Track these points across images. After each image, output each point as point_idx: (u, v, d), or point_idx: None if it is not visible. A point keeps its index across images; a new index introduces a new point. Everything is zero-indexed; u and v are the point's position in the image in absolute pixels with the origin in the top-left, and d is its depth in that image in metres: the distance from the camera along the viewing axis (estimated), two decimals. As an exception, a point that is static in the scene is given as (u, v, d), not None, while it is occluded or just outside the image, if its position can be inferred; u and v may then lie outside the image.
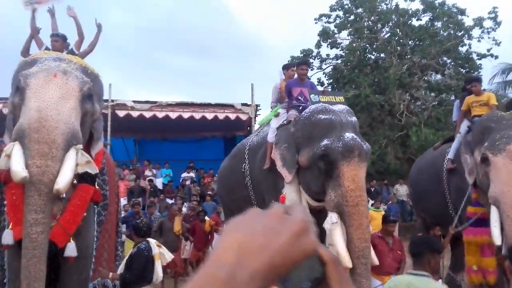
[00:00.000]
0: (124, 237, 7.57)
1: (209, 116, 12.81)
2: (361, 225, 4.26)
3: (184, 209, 9.79)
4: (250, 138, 6.40)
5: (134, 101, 12.92)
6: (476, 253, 5.35)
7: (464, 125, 6.26)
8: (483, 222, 5.33)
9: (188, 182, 13.03)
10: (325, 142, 4.45)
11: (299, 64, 5.91)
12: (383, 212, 10.10)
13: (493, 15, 17.34)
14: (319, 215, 4.80)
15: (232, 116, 13.03)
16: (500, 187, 4.94)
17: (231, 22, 52.74)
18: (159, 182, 13.39)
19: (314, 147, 4.52)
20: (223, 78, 52.60)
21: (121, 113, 12.49)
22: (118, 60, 51.36)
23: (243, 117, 13.11)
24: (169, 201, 11.13)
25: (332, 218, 4.33)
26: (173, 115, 12.66)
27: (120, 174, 11.69)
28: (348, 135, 4.47)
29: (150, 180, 12.88)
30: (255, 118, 13.18)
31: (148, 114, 12.65)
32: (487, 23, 17.38)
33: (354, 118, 4.86)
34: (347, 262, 4.12)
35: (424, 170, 7.13)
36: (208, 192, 11.51)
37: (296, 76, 5.82)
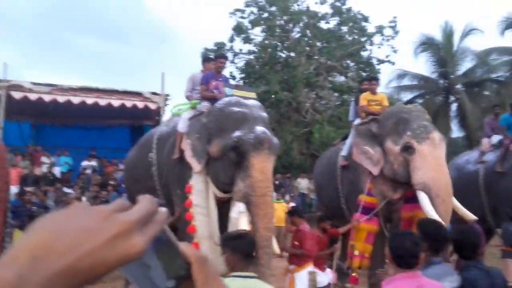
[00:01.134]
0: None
1: (116, 103, 12.33)
2: (267, 214, 4.41)
3: (83, 199, 9.36)
4: (159, 128, 6.29)
5: (33, 83, 12.06)
6: (362, 240, 5.78)
7: (358, 121, 6.61)
8: (371, 210, 5.76)
9: (89, 171, 12.45)
10: (237, 133, 4.56)
11: (218, 57, 6.03)
12: (283, 204, 10.52)
13: (393, 24, 18.78)
14: (224, 205, 4.93)
15: (140, 104, 12.67)
16: (431, 173, 5.25)
17: (143, 7, 51.00)
18: (57, 171, 12.63)
19: (226, 138, 4.62)
20: (133, 65, 50.78)
21: (17, 95, 11.58)
22: (16, 37, 47.21)
23: (152, 106, 12.82)
24: (67, 190, 10.56)
25: (239, 207, 4.44)
26: (76, 100, 12.00)
27: (12, 161, 10.84)
28: (260, 128, 4.61)
29: (48, 168, 12.11)
30: (164, 107, 12.96)
31: (47, 98, 11.86)
32: (387, 31, 18.80)
33: (265, 114, 5.03)
34: None
35: (323, 166, 7.58)
36: (110, 182, 11.12)
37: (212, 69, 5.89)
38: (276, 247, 4.76)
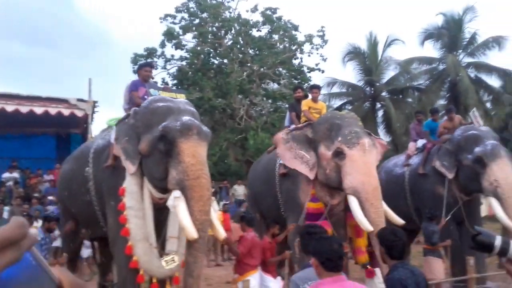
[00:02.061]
0: None
1: (38, 110, 11.57)
2: (202, 197, 4.29)
3: (5, 214, 8.68)
4: (95, 141, 5.99)
5: None
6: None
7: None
8: (319, 216, 5.76)
9: (10, 183, 11.56)
10: (163, 124, 4.46)
11: (143, 66, 6.02)
12: (219, 212, 10.40)
13: (321, 33, 19.43)
14: (162, 212, 4.75)
15: (66, 111, 11.98)
16: (360, 178, 5.33)
17: (71, 9, 48.76)
18: (-27, 184, 11.62)
19: (153, 132, 4.50)
20: (60, 71, 48.27)
21: None
22: None
23: (79, 113, 12.17)
24: (-16, 205, 9.72)
25: (174, 193, 4.29)
26: (-6, 107, 11.14)
27: None
28: (186, 117, 4.53)
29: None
30: (92, 115, 12.39)
31: (-39, 105, 10.91)
32: (316, 40, 19.43)
33: (193, 109, 4.93)
34: (193, 233, 4.12)
35: (259, 173, 7.53)
36: (35, 195, 10.40)
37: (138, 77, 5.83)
38: (221, 232, 4.73)
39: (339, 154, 5.53)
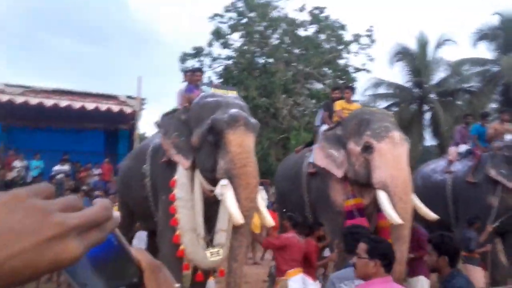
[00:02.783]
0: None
1: (89, 106, 12.13)
2: (248, 185, 4.38)
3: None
4: (153, 139, 6.28)
5: (5, 84, 11.76)
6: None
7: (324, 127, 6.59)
8: (361, 211, 5.69)
9: (61, 176, 12.16)
10: (211, 117, 4.62)
11: (194, 71, 6.40)
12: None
13: (369, 33, 19.09)
14: (213, 206, 4.90)
15: (116, 108, 12.48)
16: (389, 171, 5.20)
17: (124, 8, 50.38)
18: (29, 175, 12.30)
19: (203, 125, 4.67)
20: (110, 68, 50.05)
21: (-13, 97, 11.28)
22: (-12, 36, 46.04)
23: (127, 110, 12.65)
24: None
25: (222, 181, 4.42)
26: (48, 102, 11.75)
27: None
28: (234, 110, 4.65)
29: (18, 172, 11.78)
30: (140, 111, 12.81)
31: (19, 100, 11.57)
32: (364, 40, 19.09)
33: (242, 103, 5.05)
34: (239, 219, 4.24)
35: (286, 172, 7.49)
36: (83, 187, 10.88)
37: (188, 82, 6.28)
38: (269, 219, 4.83)
39: (368, 149, 5.43)
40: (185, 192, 4.91)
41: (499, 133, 7.70)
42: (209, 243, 4.95)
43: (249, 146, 4.56)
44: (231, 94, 5.42)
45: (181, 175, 4.93)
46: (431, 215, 5.63)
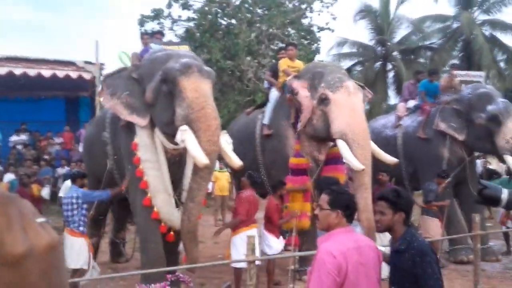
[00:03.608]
0: None
1: (46, 73, 11.56)
2: (209, 126, 4.30)
3: (11, 176, 8.85)
4: None
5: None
6: (300, 199, 5.82)
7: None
8: (304, 171, 5.81)
9: (20, 146, 11.72)
10: (163, 68, 4.50)
11: (153, 34, 6.50)
12: (227, 173, 10.48)
13: (332, -10, 18.82)
14: (179, 166, 4.83)
15: (74, 74, 11.95)
16: (346, 120, 5.28)
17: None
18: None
19: (155, 79, 4.55)
20: (63, 32, 47.90)
21: None
22: None
23: (86, 76, 12.14)
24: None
25: (181, 127, 4.31)
26: (2, 70, 11.15)
27: None
28: (186, 59, 4.56)
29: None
30: (99, 77, 12.35)
31: (-30, 68, 10.95)
32: (326, -2, 18.82)
33: (194, 55, 4.96)
34: (203, 159, 4.17)
35: (238, 134, 7.25)
36: (44, 157, 10.55)
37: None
38: (236, 160, 4.85)
39: (323, 101, 5.46)
40: (150, 153, 4.78)
41: (447, 90, 7.84)
42: (178, 202, 4.90)
43: (206, 91, 4.45)
44: (183, 49, 5.24)
45: (142, 137, 4.80)
46: (390, 159, 5.75)
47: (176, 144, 4.63)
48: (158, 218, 4.80)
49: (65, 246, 4.94)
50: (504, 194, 1.77)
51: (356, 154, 5.15)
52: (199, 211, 4.64)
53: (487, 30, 21.95)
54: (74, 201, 5.05)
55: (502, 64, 22.13)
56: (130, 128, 4.98)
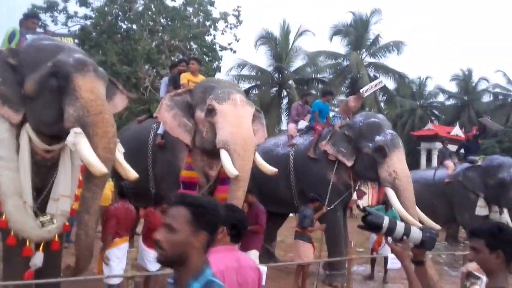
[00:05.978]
0: None
1: None
2: (106, 133, 3.92)
3: None
4: None
5: None
6: None
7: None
8: (194, 185, 5.64)
9: None
10: (53, 59, 4.01)
11: (28, 17, 5.75)
12: (111, 182, 9.88)
13: (236, 13, 19.22)
14: (47, 170, 4.30)
15: None
16: (229, 129, 5.20)
17: None
18: None
19: (41, 70, 4.01)
20: None
21: None
22: None
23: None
24: None
25: (74, 129, 3.85)
26: None
27: None
28: (79, 54, 4.16)
29: None
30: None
31: None
32: (231, 19, 19.17)
33: (84, 52, 4.56)
34: (102, 167, 3.78)
35: (128, 143, 6.99)
36: None
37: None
38: (131, 172, 4.35)
39: (210, 112, 5.41)
40: (6, 149, 4.13)
41: (347, 110, 8.22)
42: (38, 212, 4.25)
43: (102, 93, 4.09)
44: (68, 42, 4.80)
45: (0, 131, 4.15)
46: (270, 169, 5.77)
47: (50, 144, 4.17)
48: (5, 227, 4.10)
49: None
50: (386, 221, 1.89)
51: (236, 165, 5.10)
52: (96, 223, 4.19)
53: (372, 71, 24.15)
54: None
55: (382, 104, 24.43)
56: None
